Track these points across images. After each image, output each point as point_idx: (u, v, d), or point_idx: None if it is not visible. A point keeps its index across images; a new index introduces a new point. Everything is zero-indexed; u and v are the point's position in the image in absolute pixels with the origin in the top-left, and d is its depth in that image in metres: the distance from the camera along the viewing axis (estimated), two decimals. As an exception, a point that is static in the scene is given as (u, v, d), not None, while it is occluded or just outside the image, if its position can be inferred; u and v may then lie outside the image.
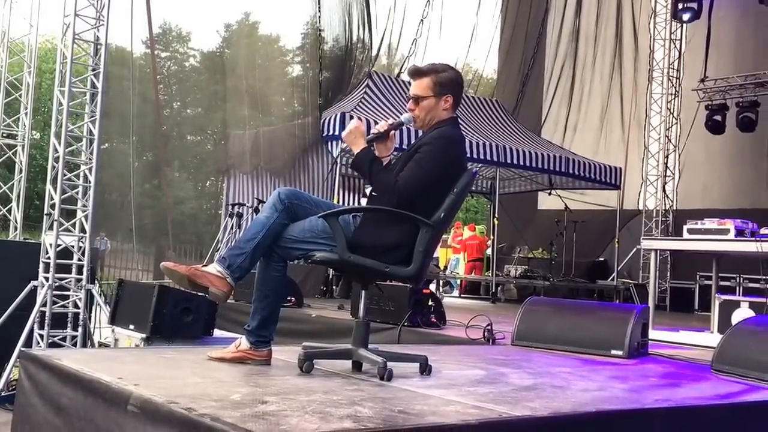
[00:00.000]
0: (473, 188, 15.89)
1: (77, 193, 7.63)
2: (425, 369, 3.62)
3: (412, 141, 3.95)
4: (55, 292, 7.46)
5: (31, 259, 7.56)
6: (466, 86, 15.72)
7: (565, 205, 14.21)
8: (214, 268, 3.50)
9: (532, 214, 17.11)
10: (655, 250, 8.01)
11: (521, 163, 12.93)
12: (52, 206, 7.52)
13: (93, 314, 8.00)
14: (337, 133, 10.99)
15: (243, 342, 3.64)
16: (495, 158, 12.45)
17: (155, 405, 2.56)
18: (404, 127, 4.03)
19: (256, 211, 10.46)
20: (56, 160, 7.53)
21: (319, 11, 12.38)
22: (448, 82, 3.72)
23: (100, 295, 7.95)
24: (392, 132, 3.82)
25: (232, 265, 3.50)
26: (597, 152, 15.29)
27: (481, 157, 12.21)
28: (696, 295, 13.11)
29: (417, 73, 3.78)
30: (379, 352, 3.53)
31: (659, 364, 5.04)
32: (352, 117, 10.90)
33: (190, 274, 3.46)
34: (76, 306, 7.62)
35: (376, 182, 3.63)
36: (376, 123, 10.74)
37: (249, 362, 3.61)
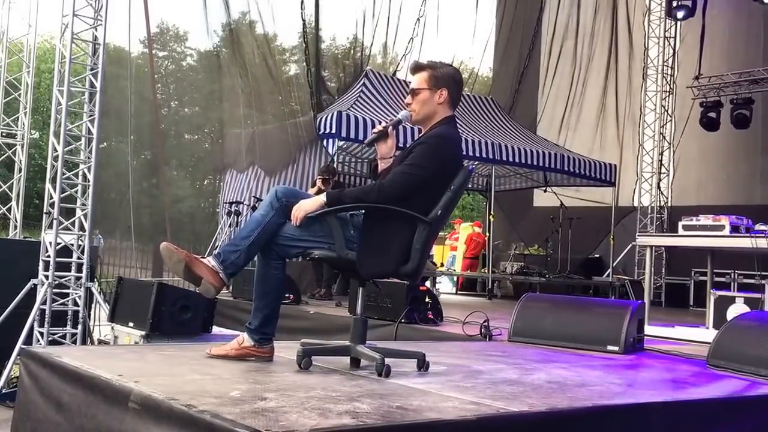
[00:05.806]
0: (469, 185, 15.91)
1: (76, 191, 7.65)
2: (423, 365, 3.64)
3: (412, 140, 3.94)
4: (54, 290, 7.48)
5: (31, 257, 7.59)
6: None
7: (561, 202, 14.19)
8: (209, 262, 3.51)
9: (528, 211, 17.10)
10: (651, 247, 8.03)
11: (517, 160, 12.95)
12: (52, 205, 7.54)
13: (92, 312, 8.02)
14: (333, 131, 11.03)
15: (246, 339, 3.65)
16: (491, 156, 12.49)
17: (156, 402, 2.57)
18: (402, 127, 4.04)
19: (254, 209, 10.45)
20: (55, 159, 7.55)
21: (316, 10, 12.39)
22: (444, 76, 3.76)
23: (100, 292, 7.97)
24: (391, 130, 3.86)
25: (225, 261, 3.52)
26: (592, 149, 15.28)
27: (477, 154, 12.24)
28: (691, 291, 13.13)
29: (416, 68, 3.87)
30: (377, 349, 3.55)
31: (655, 359, 5.07)
32: (348, 116, 10.95)
33: (189, 260, 3.47)
34: (75, 304, 7.64)
35: (361, 196, 3.57)
36: (373, 121, 10.89)
37: (252, 359, 3.64)
